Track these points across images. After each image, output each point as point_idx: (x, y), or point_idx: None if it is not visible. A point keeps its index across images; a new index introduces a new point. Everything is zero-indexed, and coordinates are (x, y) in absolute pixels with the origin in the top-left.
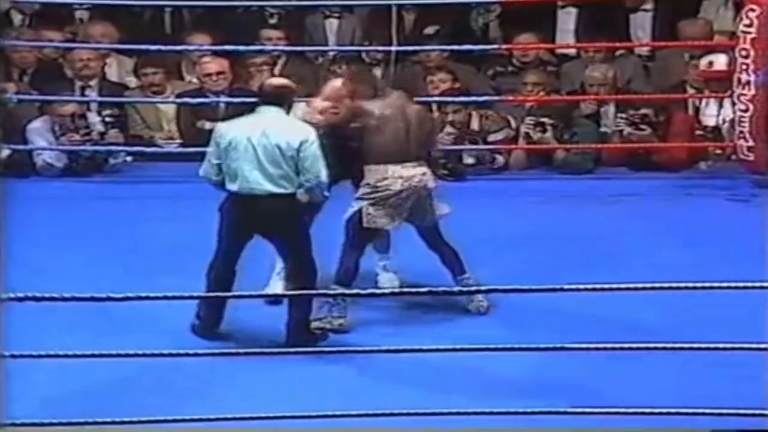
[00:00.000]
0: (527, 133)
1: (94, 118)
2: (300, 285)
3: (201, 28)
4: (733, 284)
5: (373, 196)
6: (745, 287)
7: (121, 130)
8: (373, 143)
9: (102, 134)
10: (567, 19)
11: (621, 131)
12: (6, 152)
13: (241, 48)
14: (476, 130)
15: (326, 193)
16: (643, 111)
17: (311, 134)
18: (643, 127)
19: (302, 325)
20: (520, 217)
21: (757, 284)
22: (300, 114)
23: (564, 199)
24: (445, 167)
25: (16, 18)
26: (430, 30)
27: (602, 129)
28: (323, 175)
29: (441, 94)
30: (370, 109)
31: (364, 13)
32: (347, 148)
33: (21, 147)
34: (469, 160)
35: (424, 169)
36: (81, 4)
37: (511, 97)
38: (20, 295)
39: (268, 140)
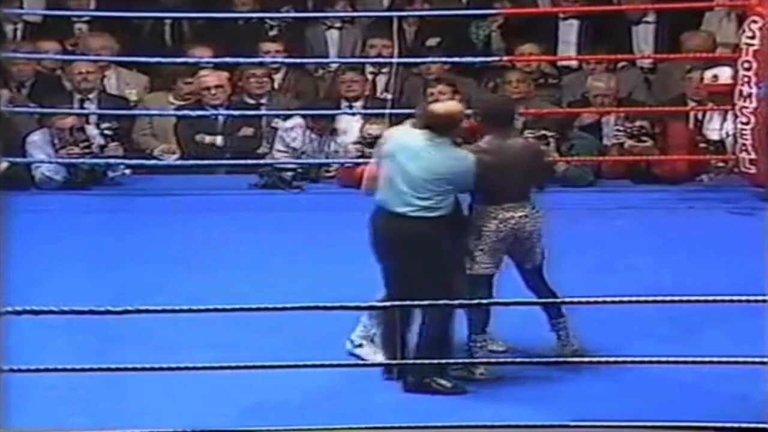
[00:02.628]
0: None
1: (92, 131)
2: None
3: (201, 40)
4: (735, 297)
5: (473, 241)
6: (747, 301)
7: (121, 143)
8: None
9: (101, 147)
10: (569, 31)
11: (621, 144)
12: (5, 165)
13: (241, 60)
14: None
15: None
16: (639, 123)
17: None
18: (644, 139)
19: None
20: None
21: (759, 297)
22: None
23: (564, 212)
24: None
25: (8, 28)
26: (431, 42)
27: (605, 141)
28: None
29: None
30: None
31: (365, 25)
32: None
33: (20, 160)
34: None
35: (526, 211)
36: (80, 16)
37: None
38: (18, 308)
39: None
